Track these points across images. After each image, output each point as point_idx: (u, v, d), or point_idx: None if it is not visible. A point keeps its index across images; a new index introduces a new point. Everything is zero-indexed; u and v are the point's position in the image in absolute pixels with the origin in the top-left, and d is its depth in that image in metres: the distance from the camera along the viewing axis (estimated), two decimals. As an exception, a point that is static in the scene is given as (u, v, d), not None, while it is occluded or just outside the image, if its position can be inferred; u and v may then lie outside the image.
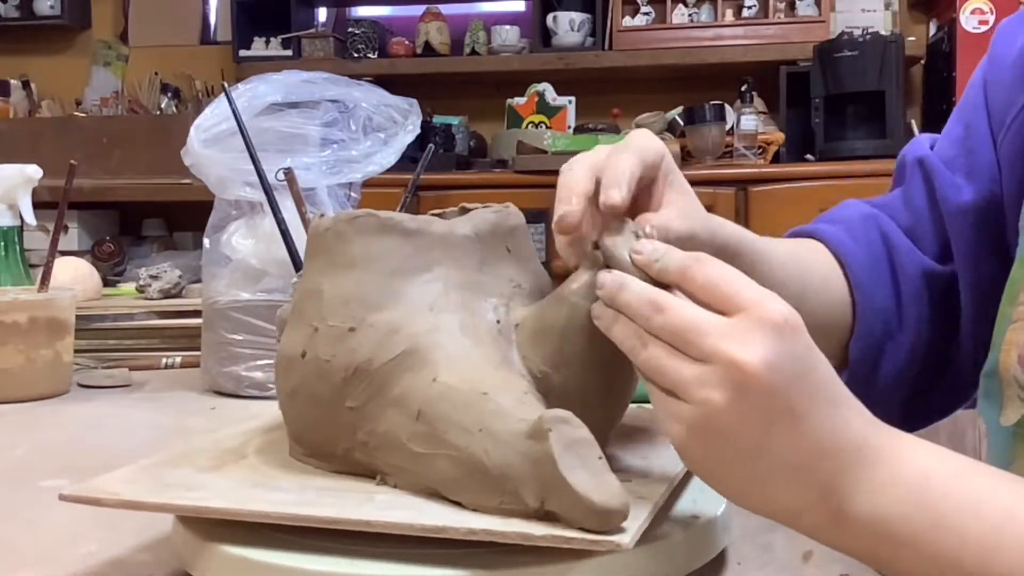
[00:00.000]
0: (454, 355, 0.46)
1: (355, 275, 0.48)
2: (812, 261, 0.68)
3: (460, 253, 0.49)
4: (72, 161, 0.96)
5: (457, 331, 0.47)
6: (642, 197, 0.52)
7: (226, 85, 0.90)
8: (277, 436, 0.54)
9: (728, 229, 0.59)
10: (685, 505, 0.47)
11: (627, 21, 3.00)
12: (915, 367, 0.70)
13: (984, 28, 2.79)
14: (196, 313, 1.04)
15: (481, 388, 0.44)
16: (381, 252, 0.48)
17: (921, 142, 0.73)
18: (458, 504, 0.43)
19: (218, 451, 0.52)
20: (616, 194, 0.46)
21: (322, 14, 3.36)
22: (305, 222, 0.88)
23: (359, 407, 0.46)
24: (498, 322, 0.49)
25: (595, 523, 0.40)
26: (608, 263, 0.45)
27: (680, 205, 0.54)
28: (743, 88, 2.75)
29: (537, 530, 0.40)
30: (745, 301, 0.41)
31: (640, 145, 0.51)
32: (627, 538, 0.39)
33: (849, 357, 0.68)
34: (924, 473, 0.42)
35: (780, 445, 0.40)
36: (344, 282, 0.48)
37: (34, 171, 1.05)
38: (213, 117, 0.93)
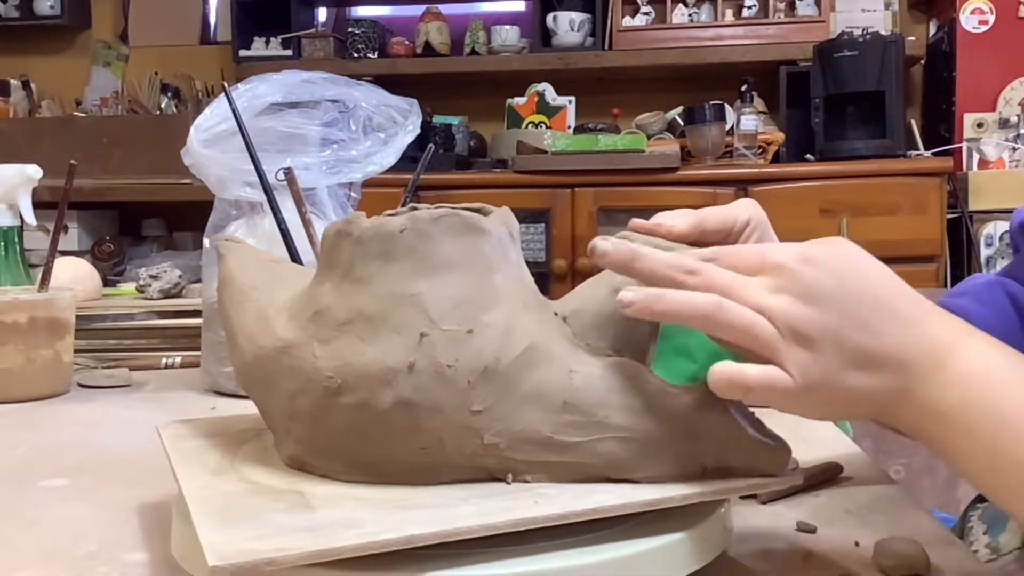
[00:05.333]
0: (568, 346, 0.48)
1: (454, 277, 0.46)
2: None
3: (509, 251, 0.50)
4: (72, 161, 0.96)
5: (550, 324, 0.49)
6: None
7: (226, 85, 0.90)
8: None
9: None
10: (684, 507, 0.46)
11: (627, 21, 3.00)
12: None
13: (984, 28, 2.79)
14: (196, 313, 1.04)
15: (625, 372, 0.46)
16: (472, 252, 0.47)
17: None
18: (624, 481, 0.46)
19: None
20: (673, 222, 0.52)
21: (322, 14, 3.36)
22: (305, 222, 0.88)
23: (487, 409, 0.45)
24: (556, 313, 0.51)
25: (775, 466, 0.46)
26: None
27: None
28: (743, 88, 2.75)
29: (725, 484, 0.46)
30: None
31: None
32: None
33: None
34: (986, 372, 0.44)
35: (855, 336, 0.43)
36: (446, 284, 0.46)
37: (34, 171, 1.05)
38: (213, 117, 0.93)
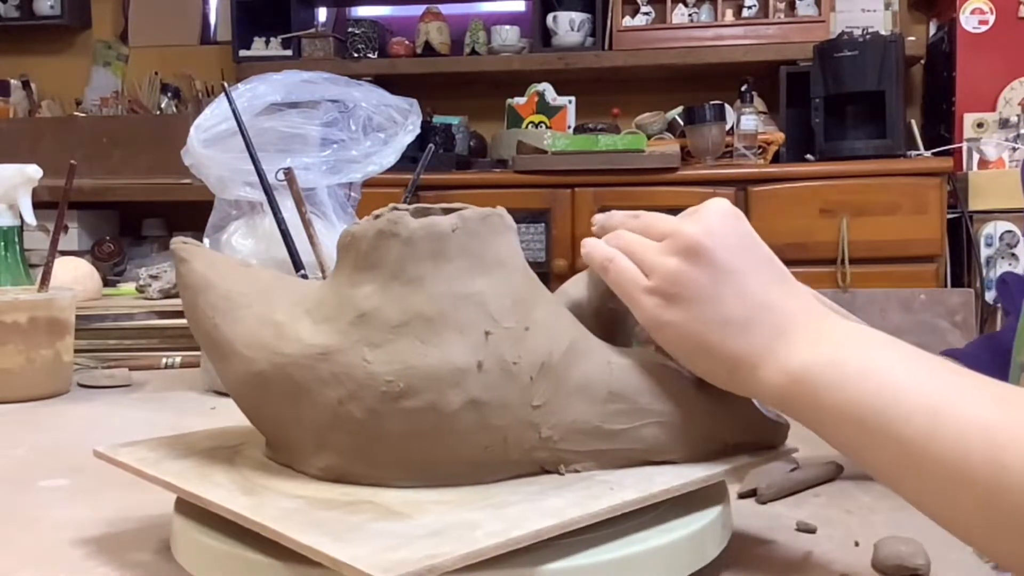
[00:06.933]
0: (597, 340, 0.50)
1: (505, 275, 0.47)
2: None
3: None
4: (72, 161, 0.96)
5: (575, 320, 0.50)
6: None
7: (226, 85, 0.90)
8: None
9: None
10: (684, 507, 0.47)
11: (627, 21, 3.00)
12: None
13: (984, 28, 2.79)
14: (196, 313, 1.03)
15: (653, 360, 0.50)
16: (513, 250, 0.48)
17: None
18: (663, 463, 0.48)
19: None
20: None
21: (322, 14, 3.36)
22: (305, 222, 0.88)
23: (545, 403, 0.46)
24: None
25: (779, 439, 0.52)
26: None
27: None
28: (743, 88, 2.75)
29: (750, 457, 0.50)
30: (691, 208, 0.50)
31: None
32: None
33: None
34: (859, 335, 0.46)
35: (729, 300, 0.46)
36: (500, 282, 0.46)
37: (34, 171, 1.05)
38: (213, 117, 0.93)
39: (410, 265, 0.46)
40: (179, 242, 0.53)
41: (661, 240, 0.49)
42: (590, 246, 0.51)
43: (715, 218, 0.48)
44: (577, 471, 0.47)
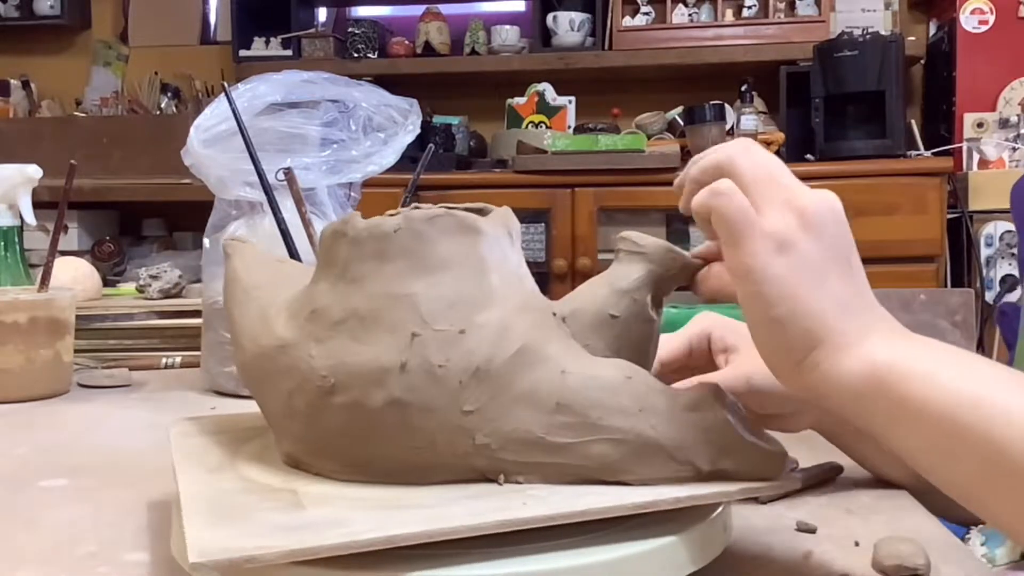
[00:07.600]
0: (563, 347, 0.47)
1: (449, 277, 0.46)
2: None
3: (507, 251, 0.50)
4: (72, 161, 0.96)
5: (546, 325, 0.48)
6: None
7: (226, 85, 0.90)
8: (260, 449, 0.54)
9: None
10: (684, 508, 0.46)
11: (627, 21, 3.00)
12: None
13: (984, 28, 2.79)
14: (196, 313, 1.04)
15: (621, 372, 0.46)
16: (467, 252, 0.47)
17: None
18: (617, 483, 0.45)
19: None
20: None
21: (322, 14, 3.36)
22: (305, 222, 0.88)
23: (478, 409, 0.44)
24: (555, 314, 0.49)
25: (771, 470, 0.46)
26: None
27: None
28: (743, 88, 2.75)
29: (720, 487, 0.45)
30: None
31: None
32: None
33: None
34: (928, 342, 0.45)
35: (833, 280, 0.44)
36: (440, 284, 0.46)
37: (34, 171, 1.05)
38: (213, 117, 0.93)
39: (354, 264, 0.47)
40: (228, 239, 0.58)
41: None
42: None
43: (834, 204, 0.45)
44: (518, 482, 0.45)
